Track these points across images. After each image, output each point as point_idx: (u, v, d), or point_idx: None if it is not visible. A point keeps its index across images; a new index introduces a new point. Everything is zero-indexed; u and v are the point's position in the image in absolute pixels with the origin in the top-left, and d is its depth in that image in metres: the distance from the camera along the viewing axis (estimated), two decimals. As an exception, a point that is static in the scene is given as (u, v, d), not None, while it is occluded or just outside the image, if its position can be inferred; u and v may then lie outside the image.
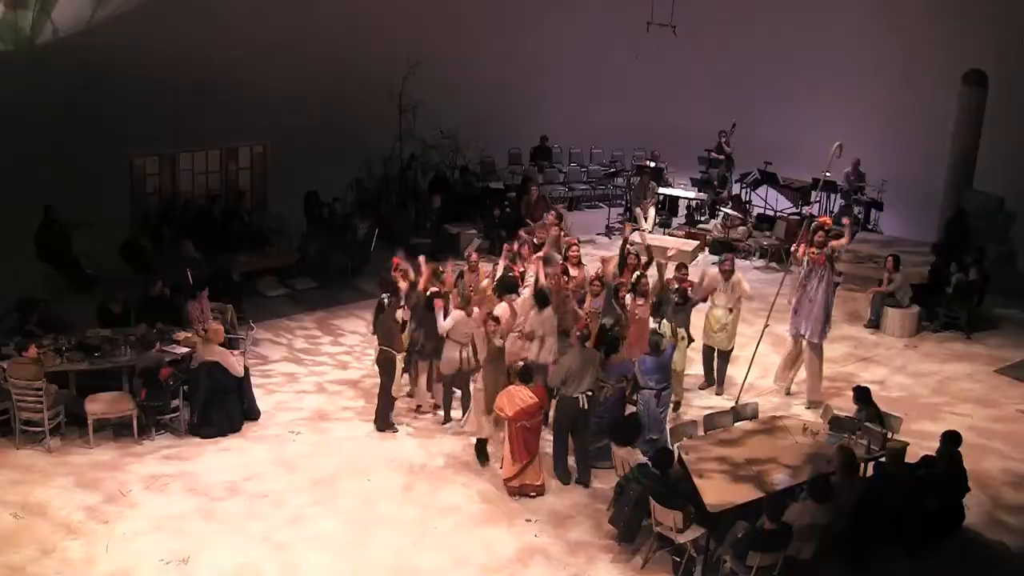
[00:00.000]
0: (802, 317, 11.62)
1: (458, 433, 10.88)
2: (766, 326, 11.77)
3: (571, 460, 10.14)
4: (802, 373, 11.98)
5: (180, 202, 15.83)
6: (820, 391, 11.77)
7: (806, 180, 17.73)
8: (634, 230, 17.04)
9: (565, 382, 9.83)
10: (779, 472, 9.03)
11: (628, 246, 12.19)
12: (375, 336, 11.28)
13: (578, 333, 10.03)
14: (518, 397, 9.49)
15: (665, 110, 19.18)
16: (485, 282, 11.74)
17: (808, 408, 11.54)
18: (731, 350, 12.02)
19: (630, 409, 10.56)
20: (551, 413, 10.45)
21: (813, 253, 11.42)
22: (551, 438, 10.24)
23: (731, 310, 11.80)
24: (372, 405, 11.03)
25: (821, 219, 11.75)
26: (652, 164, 18.70)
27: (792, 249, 12.02)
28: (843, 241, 11.61)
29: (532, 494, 9.70)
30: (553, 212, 14.22)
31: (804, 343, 11.68)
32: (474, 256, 12.34)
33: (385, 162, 16.37)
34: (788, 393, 11.96)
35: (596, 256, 14.57)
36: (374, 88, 15.91)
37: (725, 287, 11.86)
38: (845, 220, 12.31)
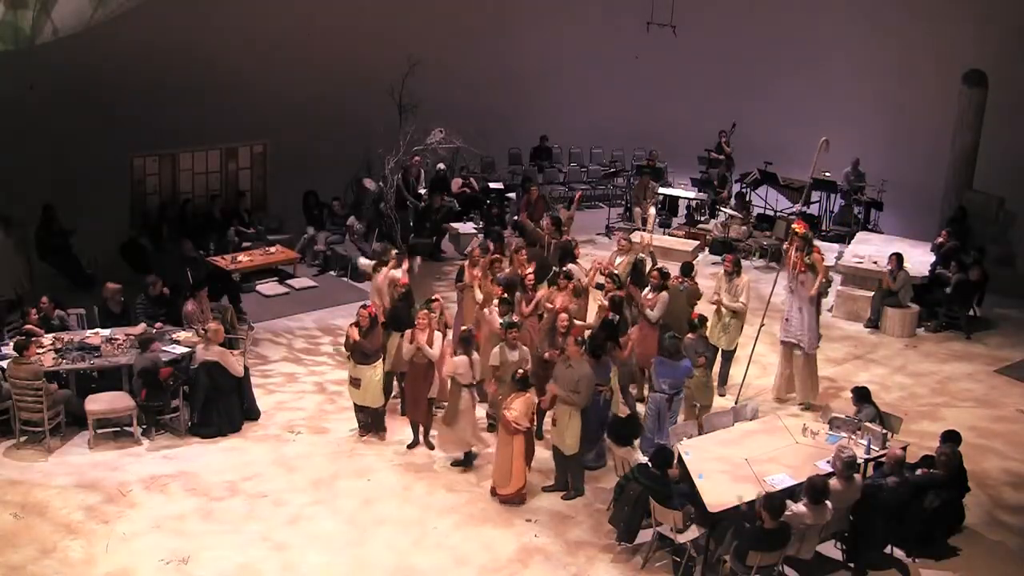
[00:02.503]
0: (794, 327, 11.55)
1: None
2: (762, 325, 11.75)
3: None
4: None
5: (180, 202, 15.84)
6: (816, 392, 11.72)
7: (806, 180, 17.71)
8: (633, 230, 17.15)
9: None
10: (779, 472, 9.03)
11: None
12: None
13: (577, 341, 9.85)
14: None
15: (665, 110, 19.17)
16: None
17: (806, 410, 11.48)
18: (734, 350, 11.99)
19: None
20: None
21: (797, 259, 11.33)
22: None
23: (734, 311, 11.79)
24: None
25: (797, 224, 11.53)
26: (654, 164, 18.73)
27: (784, 248, 11.95)
28: (820, 275, 11.39)
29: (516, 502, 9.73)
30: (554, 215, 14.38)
31: (797, 352, 11.61)
32: (477, 251, 12.36)
33: (385, 162, 16.37)
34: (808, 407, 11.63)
35: (594, 255, 14.55)
36: (374, 88, 15.88)
37: (728, 287, 11.86)
38: (816, 249, 11.56)
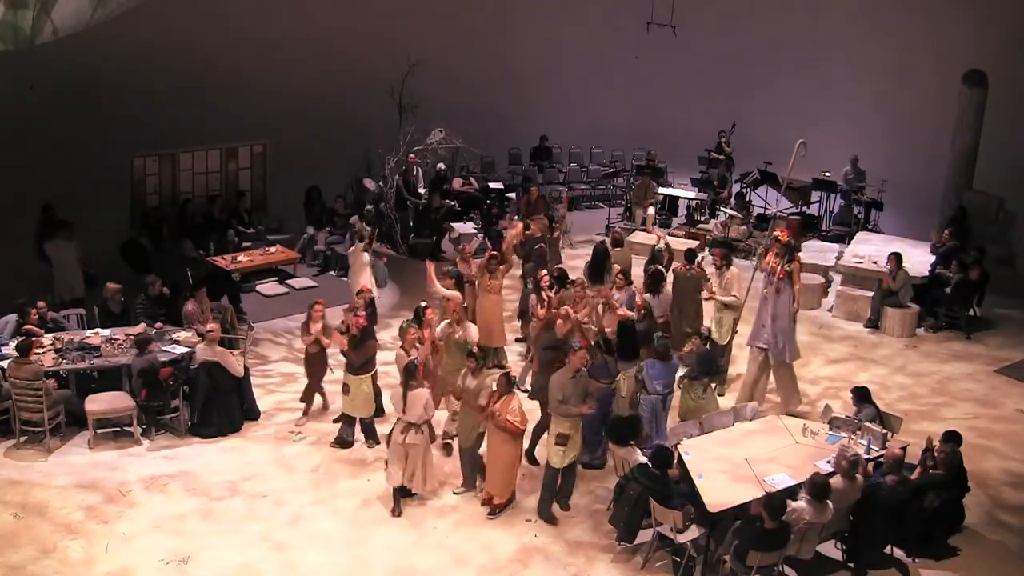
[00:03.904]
0: (769, 332, 11.14)
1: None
2: (737, 324, 11.62)
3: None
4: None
5: (180, 202, 15.85)
6: (798, 399, 11.43)
7: (806, 180, 17.75)
8: (633, 231, 17.19)
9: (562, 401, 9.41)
10: (779, 472, 9.03)
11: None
12: None
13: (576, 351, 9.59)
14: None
15: (665, 110, 19.18)
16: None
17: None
18: (726, 344, 11.94)
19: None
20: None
21: (775, 265, 11.02)
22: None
23: (725, 304, 11.79)
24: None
25: (780, 232, 11.28)
26: (654, 164, 18.77)
27: (760, 252, 11.60)
28: (795, 285, 11.06)
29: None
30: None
31: (773, 359, 11.25)
32: (467, 247, 12.46)
33: (385, 162, 16.40)
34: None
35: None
36: (374, 88, 15.91)
37: (719, 281, 11.89)
38: (797, 258, 11.35)
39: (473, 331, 10.72)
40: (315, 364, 11.04)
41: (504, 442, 9.33)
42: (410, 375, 9.31)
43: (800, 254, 15.69)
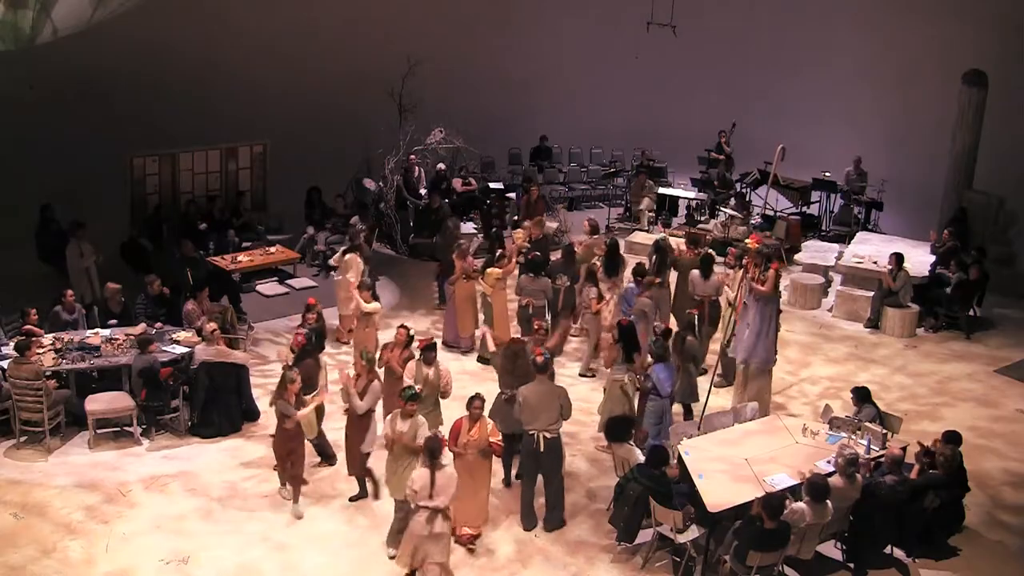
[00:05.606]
0: (747, 343, 10.95)
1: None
2: (733, 322, 11.65)
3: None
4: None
5: (181, 202, 15.84)
6: (766, 409, 11.05)
7: (806, 180, 17.75)
8: (634, 230, 17.19)
9: (522, 416, 9.07)
10: (779, 472, 9.03)
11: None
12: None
13: (536, 360, 9.24)
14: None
15: (665, 110, 19.17)
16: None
17: None
18: (728, 343, 11.87)
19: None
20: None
21: (753, 275, 10.76)
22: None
23: (730, 304, 11.80)
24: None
25: (751, 239, 11.03)
26: (651, 162, 18.78)
27: (744, 262, 11.28)
28: (768, 285, 10.76)
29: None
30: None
31: (751, 367, 11.04)
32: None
33: (385, 162, 16.39)
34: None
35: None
36: (374, 88, 15.91)
37: (731, 279, 11.93)
38: (773, 264, 10.95)
39: (446, 371, 9.90)
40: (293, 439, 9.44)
41: (483, 470, 9.01)
42: (434, 454, 7.94)
43: (799, 255, 15.93)
